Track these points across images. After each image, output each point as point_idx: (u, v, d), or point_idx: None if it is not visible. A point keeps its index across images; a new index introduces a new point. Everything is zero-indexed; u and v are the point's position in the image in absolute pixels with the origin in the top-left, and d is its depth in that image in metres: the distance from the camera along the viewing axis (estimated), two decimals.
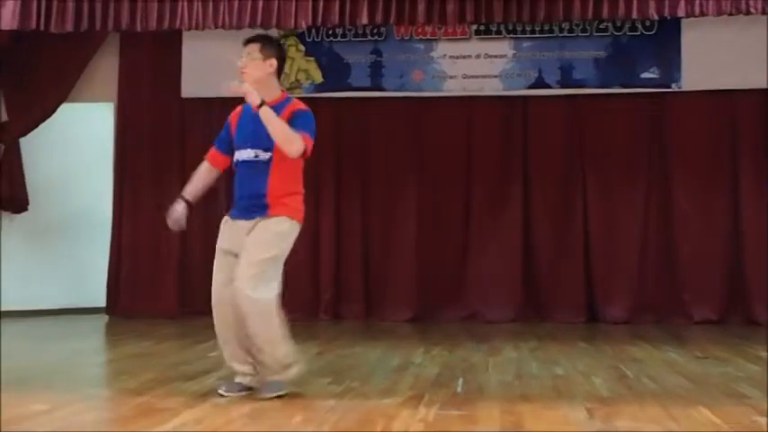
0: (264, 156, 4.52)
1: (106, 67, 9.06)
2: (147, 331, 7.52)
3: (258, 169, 4.55)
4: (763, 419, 3.79)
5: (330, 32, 8.67)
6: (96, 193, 9.17)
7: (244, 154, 4.60)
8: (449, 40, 8.56)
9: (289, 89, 8.69)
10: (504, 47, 8.51)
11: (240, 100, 4.66)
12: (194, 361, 5.72)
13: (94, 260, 9.01)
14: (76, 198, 9.21)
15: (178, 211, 4.79)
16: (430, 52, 8.60)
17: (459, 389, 4.72)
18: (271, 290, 4.52)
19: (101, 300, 8.96)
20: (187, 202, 4.82)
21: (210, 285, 8.96)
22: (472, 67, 8.53)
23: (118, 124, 9.08)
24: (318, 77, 8.72)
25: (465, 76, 8.57)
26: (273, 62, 4.60)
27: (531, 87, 8.50)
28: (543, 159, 8.62)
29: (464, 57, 8.56)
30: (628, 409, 4.09)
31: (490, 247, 8.62)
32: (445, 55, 8.58)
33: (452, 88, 8.59)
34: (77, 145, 9.20)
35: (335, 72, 8.70)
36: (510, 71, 8.50)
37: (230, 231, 4.67)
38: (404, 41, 8.63)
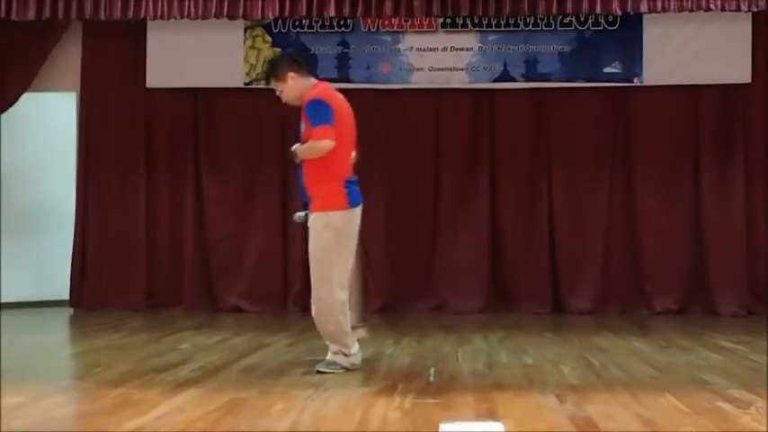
0: None
1: (69, 57, 8.96)
2: (115, 324, 7.51)
3: (300, 166, 5.09)
4: (725, 405, 3.92)
5: (297, 24, 8.68)
6: (60, 184, 9.07)
7: None
8: (416, 32, 8.62)
9: (255, 80, 8.72)
10: (470, 40, 8.59)
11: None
12: (166, 353, 5.74)
13: (58, 252, 8.93)
14: (40, 189, 9.11)
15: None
16: (397, 44, 8.66)
17: (432, 378, 4.80)
18: (326, 288, 4.85)
19: (64, 293, 8.89)
20: None
21: (177, 276, 8.96)
22: (439, 59, 8.60)
23: (81, 114, 8.99)
24: None
25: (432, 69, 8.64)
26: (291, 74, 5.08)
27: (496, 80, 8.59)
28: (510, 152, 8.72)
29: (431, 49, 8.62)
30: (598, 396, 4.20)
31: (458, 238, 8.70)
32: (412, 47, 8.64)
33: (419, 80, 8.65)
34: (40, 135, 9.09)
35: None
36: (476, 64, 8.58)
37: None
38: (371, 34, 8.67)
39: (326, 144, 4.85)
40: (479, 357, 5.58)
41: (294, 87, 5.10)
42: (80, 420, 3.82)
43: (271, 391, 4.34)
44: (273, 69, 5.17)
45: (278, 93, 5.18)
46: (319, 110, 4.90)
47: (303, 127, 5.07)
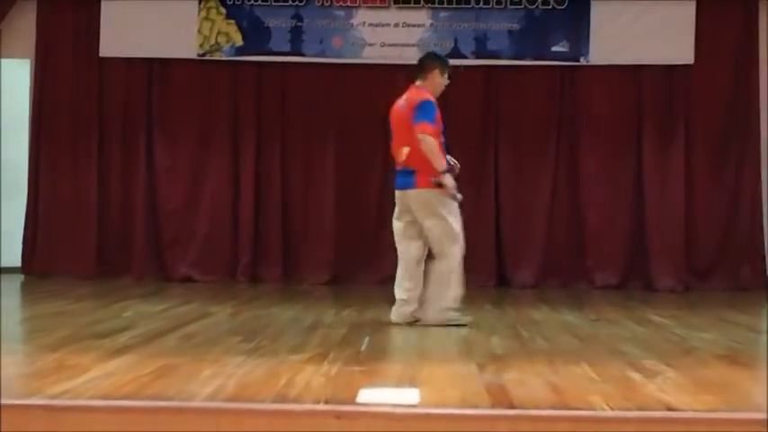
0: None
1: (24, 24, 8.99)
2: (64, 291, 7.60)
3: None
4: (635, 374, 4.12)
5: None
6: (15, 151, 9.08)
7: None
8: (368, 8, 8.73)
9: (208, 52, 8.79)
10: (422, 16, 8.71)
11: None
12: (108, 320, 5.85)
13: (13, 219, 8.96)
14: None
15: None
16: (350, 19, 8.75)
17: (363, 347, 4.96)
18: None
19: (16, 260, 8.94)
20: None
21: (128, 246, 9.02)
22: (391, 35, 8.73)
23: (35, 81, 9.03)
24: (239, 40, 8.79)
25: (384, 44, 8.76)
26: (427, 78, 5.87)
27: (447, 57, 8.68)
28: (458, 127, 8.75)
29: (383, 25, 8.74)
30: (517, 364, 4.38)
31: None
32: (365, 23, 8.75)
33: (372, 55, 8.77)
34: None
35: (256, 36, 8.79)
36: (427, 40, 8.71)
37: None
38: (324, 8, 8.76)
39: (424, 144, 5.65)
40: (415, 328, 5.74)
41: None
42: (13, 383, 3.92)
43: (204, 358, 4.46)
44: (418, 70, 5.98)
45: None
46: (424, 114, 5.65)
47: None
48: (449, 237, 5.73)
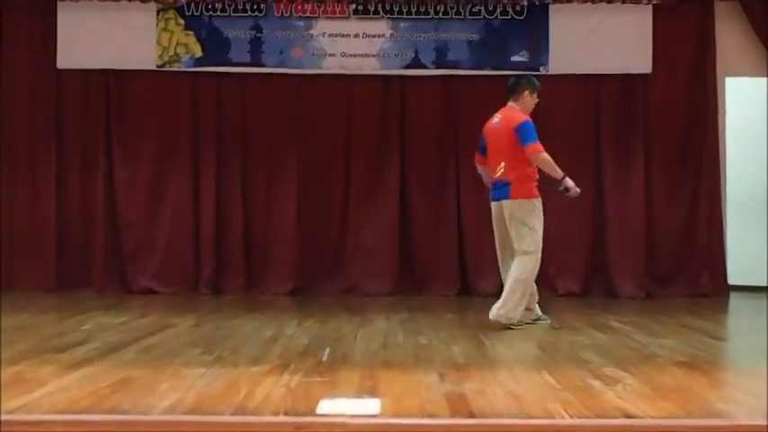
0: None
1: None
2: (24, 304, 7.49)
3: None
4: (595, 382, 4.15)
5: (210, 7, 8.70)
6: None
7: None
8: (328, 18, 8.73)
9: (167, 63, 8.74)
10: (381, 27, 8.73)
11: None
12: (68, 333, 5.78)
13: None
14: None
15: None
16: (309, 30, 8.75)
17: (324, 358, 4.95)
18: None
19: None
20: None
21: (88, 258, 8.88)
22: (351, 45, 8.73)
23: None
24: (198, 51, 8.75)
25: (344, 55, 8.76)
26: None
27: (407, 67, 8.76)
28: (419, 137, 8.91)
29: (343, 35, 8.74)
30: (478, 374, 4.40)
31: (368, 222, 8.87)
32: (324, 33, 8.74)
33: (331, 66, 8.76)
34: None
35: (215, 47, 8.75)
36: (387, 51, 8.73)
37: None
38: (284, 18, 8.74)
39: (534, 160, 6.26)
40: (377, 338, 5.74)
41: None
42: None
43: (163, 370, 4.43)
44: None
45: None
46: (525, 133, 6.23)
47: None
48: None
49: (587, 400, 3.77)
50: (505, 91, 6.58)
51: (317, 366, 4.65)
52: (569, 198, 6.39)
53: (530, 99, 6.52)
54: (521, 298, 6.18)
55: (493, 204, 6.46)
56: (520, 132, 6.18)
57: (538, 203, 6.26)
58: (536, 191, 6.26)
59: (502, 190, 6.29)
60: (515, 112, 6.38)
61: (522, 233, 6.18)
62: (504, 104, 6.53)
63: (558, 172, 6.17)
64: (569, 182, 6.23)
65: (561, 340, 5.67)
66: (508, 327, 6.08)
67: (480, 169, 6.72)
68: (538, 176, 6.29)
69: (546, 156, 6.15)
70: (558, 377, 4.26)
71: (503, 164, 6.27)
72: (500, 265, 6.52)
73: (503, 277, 6.45)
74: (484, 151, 6.58)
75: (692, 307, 7.77)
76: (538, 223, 6.23)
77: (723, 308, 8.14)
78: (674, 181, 8.85)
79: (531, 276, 6.26)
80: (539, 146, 6.15)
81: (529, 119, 6.31)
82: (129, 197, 8.83)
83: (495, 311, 6.14)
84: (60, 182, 8.84)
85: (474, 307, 7.73)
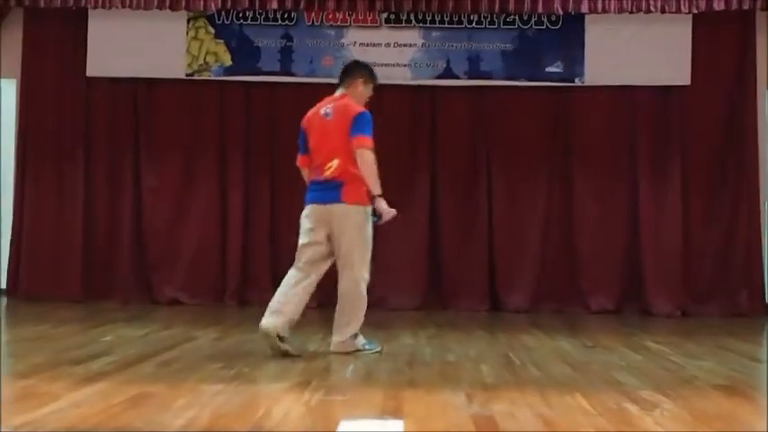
0: None
1: (10, 43, 8.84)
2: (47, 315, 7.41)
3: None
4: (632, 406, 3.94)
5: (240, 15, 8.61)
6: (1, 171, 8.93)
7: None
8: (359, 27, 8.60)
9: (197, 71, 8.65)
10: (413, 36, 8.58)
11: None
12: (87, 345, 5.66)
13: None
14: None
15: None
16: (340, 39, 8.62)
17: (348, 375, 4.78)
18: None
19: (1, 282, 8.76)
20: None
21: (113, 268, 8.84)
22: (382, 55, 8.57)
23: (21, 102, 8.88)
24: (227, 60, 8.65)
25: (375, 64, 8.50)
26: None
27: (439, 77, 8.60)
28: (450, 148, 8.73)
29: (374, 45, 8.60)
30: (507, 394, 4.20)
31: (397, 235, 8.66)
32: (355, 42, 8.61)
33: None
34: None
35: (245, 56, 8.65)
36: (419, 60, 8.58)
37: None
38: (314, 27, 8.63)
39: (361, 157, 5.41)
40: (402, 355, 5.56)
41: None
42: None
43: (180, 386, 4.28)
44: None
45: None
46: (362, 126, 5.42)
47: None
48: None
49: (624, 426, 3.57)
50: (339, 75, 5.73)
51: (339, 384, 4.49)
52: (381, 225, 5.52)
53: (363, 89, 5.63)
54: (358, 318, 5.49)
55: (314, 208, 5.43)
56: (356, 121, 5.31)
57: (370, 212, 5.47)
58: (368, 197, 5.41)
59: (332, 192, 5.35)
60: (351, 102, 5.49)
61: (354, 245, 5.39)
62: (332, 94, 5.63)
63: (376, 184, 5.33)
64: (383, 204, 5.40)
65: (594, 360, 5.44)
66: (356, 351, 5.44)
67: (305, 174, 5.64)
68: None
69: (373, 157, 5.32)
70: (592, 400, 4.05)
71: (335, 161, 5.34)
72: (293, 278, 5.51)
73: (287, 293, 5.45)
74: (308, 150, 5.56)
75: (729, 327, 7.50)
76: (370, 236, 5.48)
77: (761, 328, 7.85)
78: (712, 196, 8.60)
79: (364, 291, 5.50)
80: (370, 141, 5.32)
81: (368, 111, 5.47)
82: (155, 207, 8.74)
83: (334, 343, 5.48)
84: (87, 190, 8.78)
85: (504, 324, 7.54)
